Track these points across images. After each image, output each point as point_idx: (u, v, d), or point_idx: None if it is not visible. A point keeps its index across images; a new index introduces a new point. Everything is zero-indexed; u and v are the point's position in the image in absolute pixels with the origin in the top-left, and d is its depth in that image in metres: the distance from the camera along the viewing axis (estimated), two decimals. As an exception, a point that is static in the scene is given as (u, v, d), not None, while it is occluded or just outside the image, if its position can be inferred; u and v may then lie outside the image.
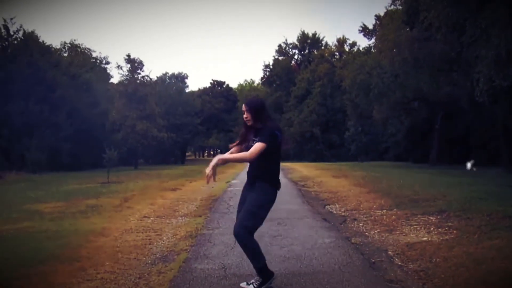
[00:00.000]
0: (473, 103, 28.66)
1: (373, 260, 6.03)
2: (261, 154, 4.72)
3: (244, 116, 5.03)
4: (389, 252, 6.50)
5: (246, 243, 4.78)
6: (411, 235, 7.66)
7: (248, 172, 5.12)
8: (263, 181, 4.96)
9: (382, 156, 56.11)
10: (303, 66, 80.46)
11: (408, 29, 23.08)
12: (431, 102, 34.55)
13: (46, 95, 34.32)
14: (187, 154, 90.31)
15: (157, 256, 6.64)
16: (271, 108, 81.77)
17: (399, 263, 5.91)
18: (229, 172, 30.18)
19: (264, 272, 4.84)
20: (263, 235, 7.44)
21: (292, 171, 28.45)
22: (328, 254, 6.29)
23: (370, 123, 50.86)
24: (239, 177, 25.16)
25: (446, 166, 30.97)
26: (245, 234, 4.75)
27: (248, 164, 5.07)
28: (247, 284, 4.89)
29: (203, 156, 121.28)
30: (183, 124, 62.65)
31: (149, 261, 6.32)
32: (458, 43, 21.59)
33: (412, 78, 28.07)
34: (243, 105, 5.08)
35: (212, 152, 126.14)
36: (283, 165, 40.73)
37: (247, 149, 4.88)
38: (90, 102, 41.35)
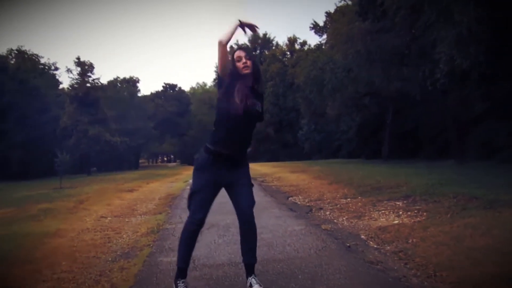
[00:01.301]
0: (423, 96, 29.07)
1: (348, 244, 5.76)
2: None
3: (242, 62, 4.08)
4: (362, 236, 6.27)
5: (255, 225, 4.27)
6: (381, 219, 7.47)
7: (232, 143, 4.04)
8: (246, 154, 4.31)
9: (336, 154, 56.38)
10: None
11: (361, 21, 23.02)
12: (382, 97, 34.78)
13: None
14: (140, 161, 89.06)
15: (118, 253, 6.21)
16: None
17: (375, 246, 5.67)
18: (185, 174, 29.79)
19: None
20: (228, 227, 7.11)
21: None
22: (300, 240, 6.00)
23: (323, 121, 51.04)
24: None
25: (398, 161, 31.20)
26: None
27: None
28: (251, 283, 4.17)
29: (156, 163, 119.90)
30: (136, 128, 61.62)
31: (110, 259, 5.89)
32: (410, 33, 21.78)
33: (365, 72, 28.15)
34: (238, 51, 4.14)
35: (166, 158, 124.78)
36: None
37: (248, 106, 3.97)
38: (40, 109, 40.16)
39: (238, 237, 6.18)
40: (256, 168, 29.17)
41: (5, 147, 33.41)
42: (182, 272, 4.16)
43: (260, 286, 4.07)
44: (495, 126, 23.10)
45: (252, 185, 4.29)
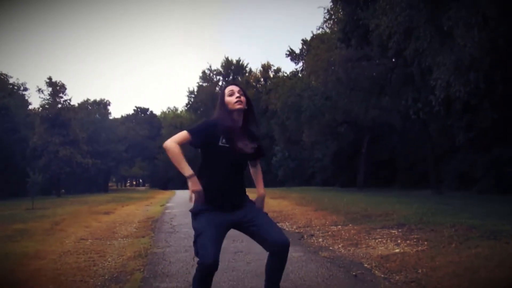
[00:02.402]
0: (402, 126, 29.23)
1: (354, 273, 5.45)
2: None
3: (236, 96, 3.77)
4: (366, 265, 5.96)
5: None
6: (380, 247, 7.16)
7: (229, 193, 3.75)
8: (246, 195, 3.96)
9: (309, 181, 56.23)
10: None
11: (343, 47, 23.00)
12: (359, 126, 34.96)
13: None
14: (109, 184, 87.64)
15: (106, 277, 5.82)
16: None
17: (383, 275, 5.37)
18: (158, 198, 29.25)
19: None
20: (223, 251, 6.72)
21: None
22: (304, 268, 5.67)
23: (297, 148, 50.95)
24: (173, 200, 24.37)
25: (373, 189, 31.20)
26: None
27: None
28: None
29: (125, 186, 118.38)
30: (106, 151, 60.72)
31: (99, 283, 5.51)
32: (394, 61, 21.80)
33: (345, 99, 28.20)
34: (232, 85, 3.86)
35: (134, 182, 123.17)
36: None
37: (244, 150, 3.74)
38: (8, 129, 39.28)
39: (235, 264, 5.94)
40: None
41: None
42: None
43: None
44: (473, 157, 23.28)
45: (266, 213, 3.94)
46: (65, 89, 43.43)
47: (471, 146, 22.51)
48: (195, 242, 3.67)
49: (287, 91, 35.45)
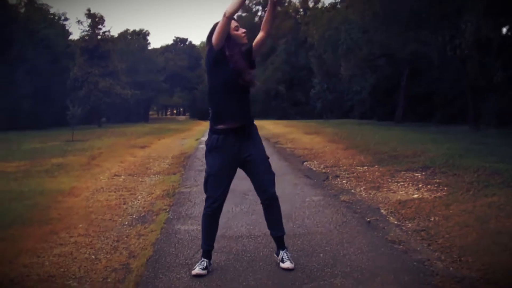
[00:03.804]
0: (440, 61, 28.52)
1: (368, 219, 5.64)
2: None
3: (242, 31, 3.92)
4: (382, 211, 6.13)
5: (277, 200, 4.15)
6: (400, 192, 7.31)
7: (233, 114, 3.90)
8: (252, 118, 4.14)
9: (347, 114, 55.90)
10: (267, 23, 79.07)
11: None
12: (397, 59, 34.30)
13: (2, 53, 32.76)
14: (150, 112, 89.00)
15: (134, 216, 6.14)
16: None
17: (396, 222, 5.55)
18: (195, 130, 29.72)
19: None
20: (246, 193, 6.97)
21: (261, 128, 27.71)
22: (319, 213, 5.88)
23: (336, 80, 50.44)
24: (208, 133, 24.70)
25: (411, 124, 30.94)
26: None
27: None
28: (282, 258, 4.06)
29: (166, 115, 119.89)
30: (146, 81, 61.22)
31: (126, 223, 5.83)
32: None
33: (381, 34, 27.61)
34: (232, 21, 3.82)
35: (175, 111, 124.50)
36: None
37: (245, 72, 3.86)
38: (50, 59, 39.78)
39: (255, 206, 6.14)
40: (268, 128, 29.02)
41: (15, 98, 33.14)
42: (205, 253, 4.06)
43: (291, 263, 3.98)
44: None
45: (268, 157, 4.16)
46: (104, 20, 43.74)
47: (510, 83, 21.99)
48: (206, 181, 4.02)
49: (325, 24, 34.87)
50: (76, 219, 5.95)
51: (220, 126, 3.90)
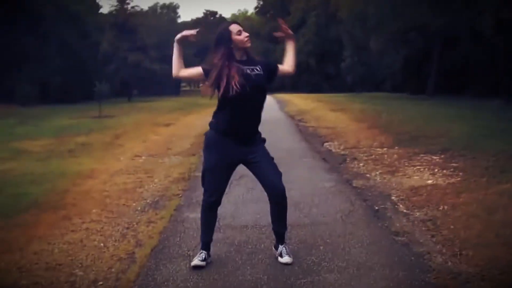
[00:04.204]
0: (473, 33, 27.87)
1: (376, 208, 5.65)
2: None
3: (246, 35, 3.82)
4: (393, 198, 6.12)
5: (286, 198, 4.04)
6: (415, 177, 7.27)
7: (237, 122, 3.82)
8: (258, 133, 4.06)
9: (379, 87, 55.30)
10: (297, -5, 78.22)
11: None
12: (429, 32, 33.62)
13: (34, 27, 33.09)
14: (182, 85, 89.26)
15: (148, 201, 6.26)
16: (265, 38, 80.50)
17: (404, 211, 5.54)
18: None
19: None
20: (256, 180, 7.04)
21: (288, 104, 27.96)
22: (328, 201, 5.89)
23: (367, 53, 49.85)
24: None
25: (444, 97, 30.40)
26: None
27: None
28: (281, 253, 4.07)
29: (198, 87, 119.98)
30: (177, 55, 61.17)
31: (139, 208, 5.94)
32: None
33: (411, 7, 27.08)
34: (235, 24, 3.88)
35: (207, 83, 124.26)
36: (278, 97, 40.35)
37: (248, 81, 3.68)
38: (80, 34, 40.12)
39: (263, 193, 6.17)
40: (295, 103, 28.99)
41: (46, 73, 33.55)
42: (204, 245, 4.12)
43: (290, 257, 4.00)
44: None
45: (272, 158, 4.07)
46: (132, -5, 43.96)
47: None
48: (203, 176, 4.06)
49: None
50: (90, 204, 6.09)
51: (219, 127, 3.90)
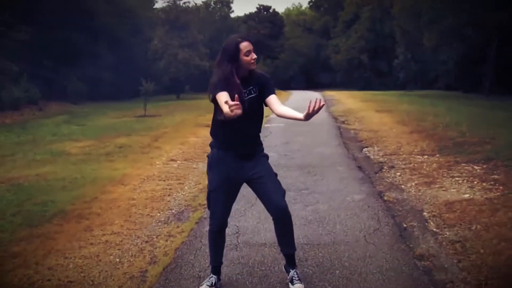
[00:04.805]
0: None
1: (404, 225, 5.40)
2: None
3: (253, 57, 3.58)
4: (425, 213, 5.84)
5: (290, 216, 3.88)
6: (452, 190, 6.92)
7: (235, 139, 3.72)
8: (260, 146, 3.94)
9: (432, 84, 54.00)
10: (352, -11, 77.38)
11: None
12: (485, 28, 32.50)
13: (85, 24, 33.59)
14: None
15: (173, 211, 6.21)
16: (318, 34, 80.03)
17: (434, 229, 5.27)
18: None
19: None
20: (288, 188, 6.82)
21: (336, 103, 27.55)
22: (354, 217, 5.65)
23: (420, 50, 48.74)
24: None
25: (500, 97, 29.36)
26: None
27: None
28: (292, 279, 3.87)
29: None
30: (227, 50, 61.34)
31: (163, 219, 5.89)
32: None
33: (467, 2, 26.22)
34: (247, 43, 3.59)
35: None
36: (328, 94, 39.90)
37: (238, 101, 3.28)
38: (132, 30, 40.52)
39: (293, 206, 6.04)
40: (344, 102, 28.57)
41: (96, 70, 33.92)
42: (214, 269, 4.00)
43: (301, 283, 3.82)
44: None
45: (276, 174, 3.90)
46: (185, -9, 44.23)
47: None
48: (208, 198, 3.93)
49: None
50: (115, 214, 6.08)
51: (219, 145, 3.81)
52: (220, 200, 3.84)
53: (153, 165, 9.31)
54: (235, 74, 3.56)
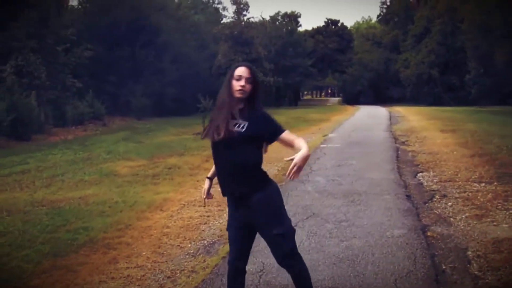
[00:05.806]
0: None
1: (443, 267, 4.98)
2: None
3: (240, 84, 3.37)
4: (469, 253, 5.39)
5: (302, 267, 3.61)
6: (504, 225, 6.39)
7: (227, 182, 3.54)
8: (264, 184, 3.52)
9: (506, 100, 51.70)
10: (422, 3, 75.61)
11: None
12: None
13: (151, 40, 34.31)
14: (305, 92, 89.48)
15: (205, 242, 6.04)
16: (387, 48, 78.69)
17: (476, 272, 4.83)
18: (333, 120, 29.16)
19: None
20: (327, 220, 6.57)
21: (401, 120, 26.85)
22: (389, 257, 5.26)
23: (493, 64, 46.91)
24: (344, 124, 24.22)
25: None
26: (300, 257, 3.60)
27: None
28: None
29: (320, 96, 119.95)
30: (294, 66, 61.46)
31: (192, 251, 5.73)
32: None
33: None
34: (244, 68, 3.42)
35: (329, 91, 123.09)
36: (395, 110, 39.03)
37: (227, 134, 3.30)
38: (197, 45, 41.13)
39: (328, 241, 5.74)
40: (409, 118, 27.86)
41: (161, 85, 34.52)
42: None
43: None
44: None
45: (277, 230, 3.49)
46: (249, 6, 44.98)
47: None
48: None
49: (474, 8, 32.40)
50: (145, 244, 5.98)
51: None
52: (231, 238, 3.67)
53: (197, 188, 9.16)
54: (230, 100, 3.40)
